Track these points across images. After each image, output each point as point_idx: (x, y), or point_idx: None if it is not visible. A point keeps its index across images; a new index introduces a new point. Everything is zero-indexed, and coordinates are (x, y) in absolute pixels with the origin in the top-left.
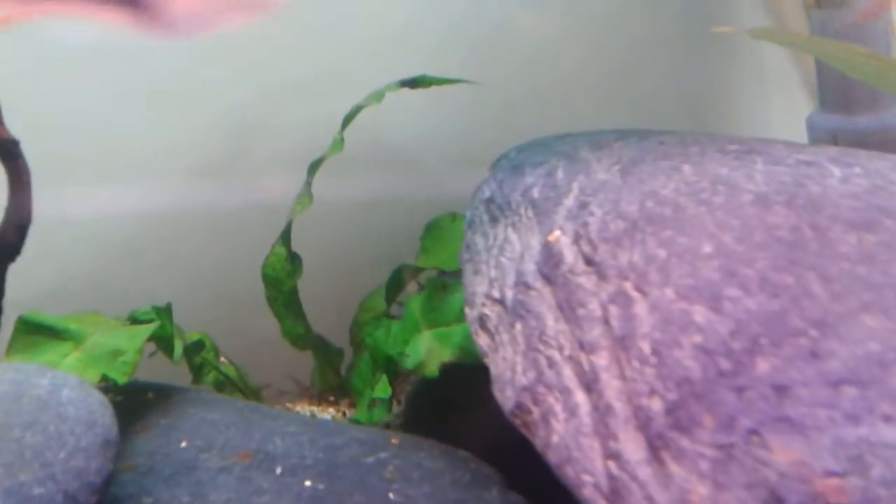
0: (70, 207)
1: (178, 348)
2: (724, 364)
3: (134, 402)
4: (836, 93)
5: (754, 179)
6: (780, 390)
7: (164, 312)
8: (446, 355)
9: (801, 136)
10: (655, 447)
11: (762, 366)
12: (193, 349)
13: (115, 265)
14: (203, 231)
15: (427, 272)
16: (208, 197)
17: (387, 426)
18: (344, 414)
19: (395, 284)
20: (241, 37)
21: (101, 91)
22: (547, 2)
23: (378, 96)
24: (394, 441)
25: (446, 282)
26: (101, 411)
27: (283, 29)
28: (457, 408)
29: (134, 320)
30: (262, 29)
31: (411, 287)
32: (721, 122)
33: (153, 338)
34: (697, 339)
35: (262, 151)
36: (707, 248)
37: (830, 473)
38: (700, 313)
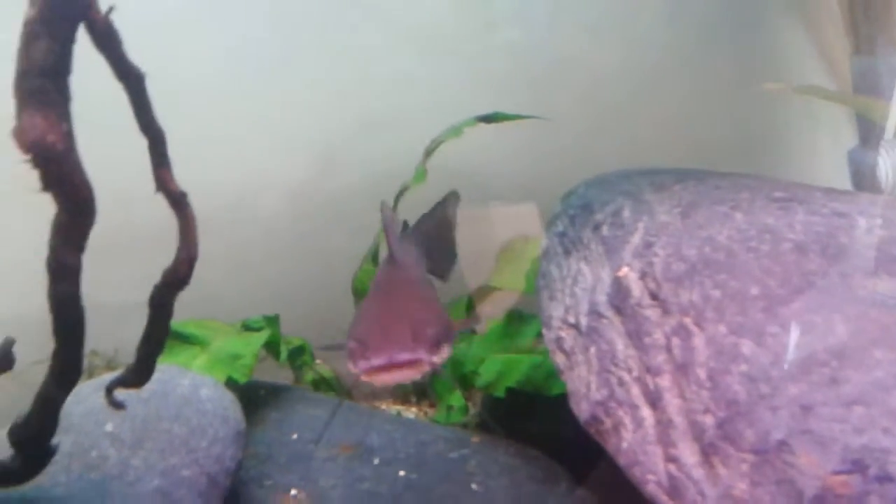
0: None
1: (284, 353)
2: (764, 388)
3: (250, 399)
4: (873, 131)
5: (795, 229)
6: (806, 409)
7: (273, 321)
8: (512, 381)
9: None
10: (707, 453)
11: (793, 389)
12: (296, 353)
13: (225, 278)
14: (300, 248)
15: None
16: (305, 219)
17: (464, 426)
18: (425, 413)
19: (472, 301)
20: (330, 82)
21: (214, 124)
22: (608, 40)
23: (457, 131)
24: (474, 439)
25: (523, 314)
26: (233, 407)
27: (365, 72)
28: (527, 413)
29: (247, 328)
30: (350, 74)
31: (486, 305)
32: (773, 154)
33: (264, 344)
34: (744, 367)
35: (351, 180)
36: (754, 291)
37: (838, 472)
38: (747, 346)
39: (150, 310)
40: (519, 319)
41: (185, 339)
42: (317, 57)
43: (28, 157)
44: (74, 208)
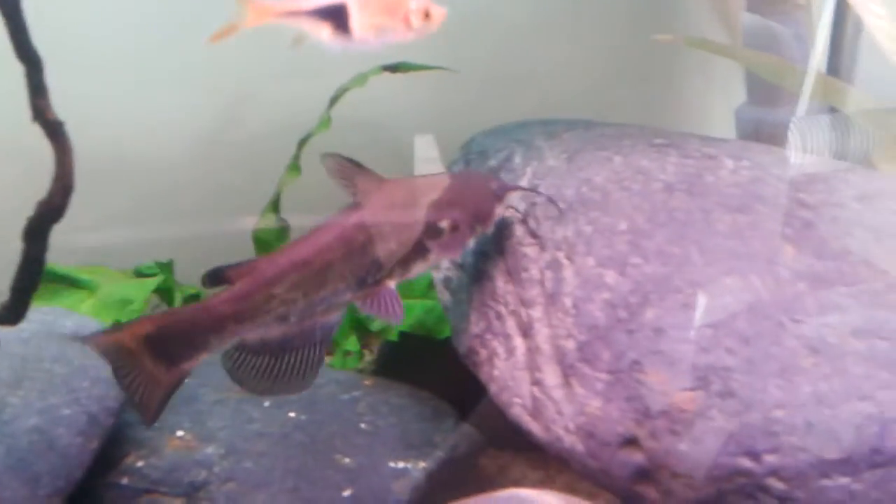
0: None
1: (178, 300)
2: (623, 314)
3: None
4: (760, 89)
5: (666, 170)
6: (658, 331)
7: (167, 267)
8: (405, 325)
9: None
10: (567, 375)
11: (648, 314)
12: (190, 301)
13: (117, 223)
14: (201, 195)
15: None
16: (206, 161)
17: (360, 371)
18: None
19: None
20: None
21: (118, 69)
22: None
23: (362, 80)
24: (367, 382)
25: None
26: None
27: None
28: (421, 356)
29: (139, 274)
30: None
31: None
32: (670, 109)
33: (156, 290)
34: (606, 295)
35: (256, 125)
36: (622, 226)
37: (685, 389)
38: (610, 276)
39: (24, 243)
40: None
41: (74, 284)
42: (226, 6)
43: None
44: None
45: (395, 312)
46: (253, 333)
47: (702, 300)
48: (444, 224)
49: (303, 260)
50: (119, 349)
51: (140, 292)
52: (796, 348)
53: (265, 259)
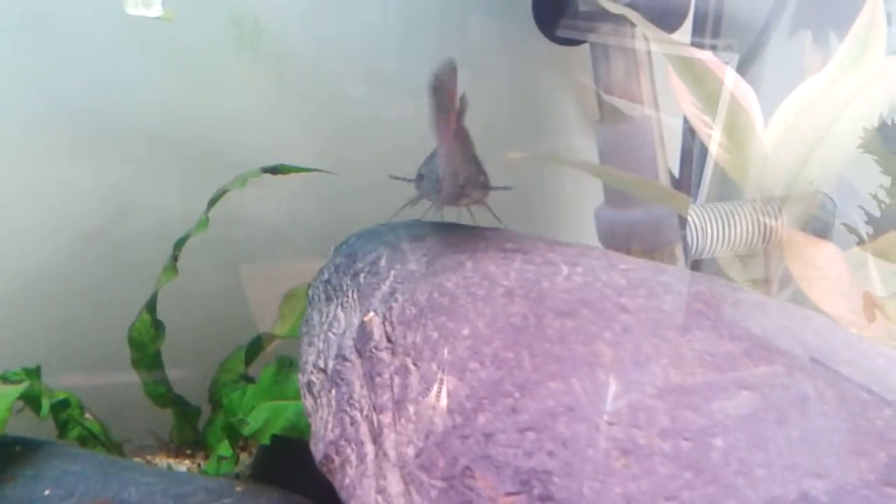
0: None
1: (46, 407)
2: (458, 419)
3: (2, 455)
4: (614, 192)
5: (509, 276)
6: (488, 436)
7: (34, 373)
8: (278, 428)
9: None
10: (407, 482)
11: (481, 419)
12: (59, 406)
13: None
14: (74, 297)
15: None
16: (82, 264)
17: (236, 476)
18: (199, 466)
19: (253, 349)
20: (125, 130)
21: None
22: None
23: (241, 181)
24: (238, 489)
25: (293, 360)
26: None
27: (158, 118)
28: (294, 460)
29: (4, 380)
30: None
31: (269, 350)
32: (548, 210)
33: (22, 396)
34: (445, 401)
35: (133, 225)
36: (465, 331)
37: (509, 493)
38: (450, 382)
39: None
40: (289, 365)
41: None
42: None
43: None
44: None
45: None
46: None
47: (529, 403)
48: None
49: None
50: None
51: (2, 400)
52: (609, 450)
53: None
